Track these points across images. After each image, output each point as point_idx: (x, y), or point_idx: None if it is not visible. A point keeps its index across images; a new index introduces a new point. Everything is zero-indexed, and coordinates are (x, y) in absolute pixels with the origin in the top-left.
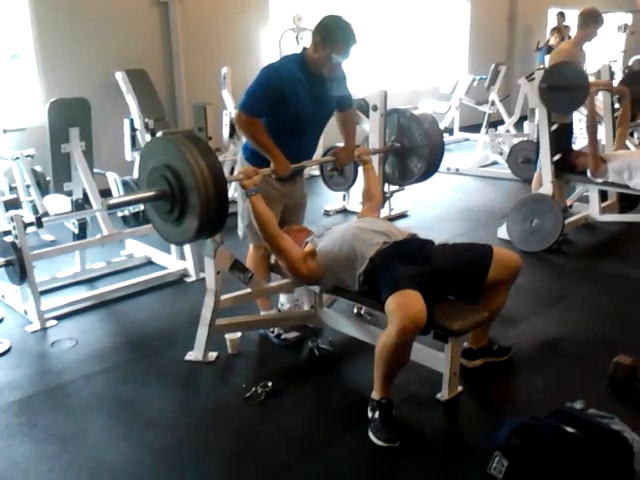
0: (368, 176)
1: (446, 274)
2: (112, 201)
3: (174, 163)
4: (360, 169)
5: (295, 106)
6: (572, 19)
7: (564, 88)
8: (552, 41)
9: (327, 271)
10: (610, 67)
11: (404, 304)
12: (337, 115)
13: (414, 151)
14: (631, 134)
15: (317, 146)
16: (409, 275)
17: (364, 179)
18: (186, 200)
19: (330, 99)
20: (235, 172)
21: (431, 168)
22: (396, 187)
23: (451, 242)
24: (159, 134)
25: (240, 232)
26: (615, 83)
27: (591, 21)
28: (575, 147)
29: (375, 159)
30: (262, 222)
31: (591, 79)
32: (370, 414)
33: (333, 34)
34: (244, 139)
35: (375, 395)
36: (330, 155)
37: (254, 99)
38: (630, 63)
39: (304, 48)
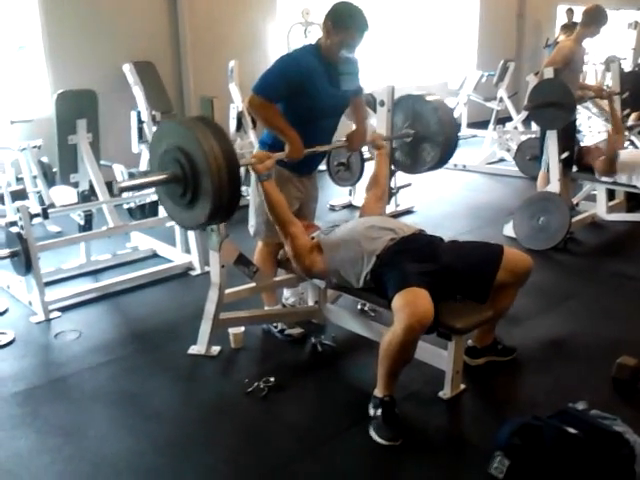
0: (380, 161)
1: (454, 273)
2: (124, 184)
3: (187, 146)
4: (367, 164)
5: (314, 97)
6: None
7: (550, 105)
8: (562, 38)
9: (332, 270)
10: (619, 62)
11: (411, 302)
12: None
13: (428, 138)
14: (639, 133)
15: (333, 137)
16: (417, 272)
17: (375, 164)
18: (199, 184)
19: (348, 77)
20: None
21: (444, 156)
22: (402, 183)
23: (460, 239)
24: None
25: (251, 229)
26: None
27: (595, 19)
28: (583, 144)
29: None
30: (275, 207)
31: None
32: (372, 411)
33: (344, 20)
34: (256, 135)
35: (378, 392)
36: (344, 140)
37: (270, 84)
38: None
39: (319, 39)
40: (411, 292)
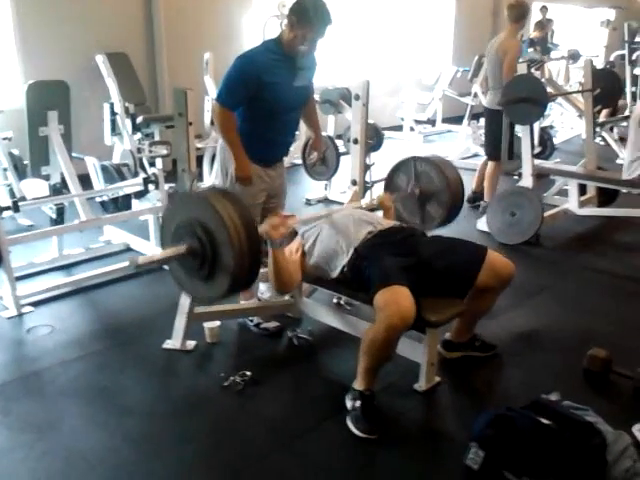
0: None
1: (434, 270)
2: (141, 262)
3: (205, 218)
4: (343, 158)
5: (275, 91)
6: (555, 13)
7: (523, 100)
8: (536, 34)
9: (311, 270)
10: (582, 56)
11: (394, 301)
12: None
13: (434, 195)
14: (611, 129)
15: (297, 128)
16: (397, 268)
17: None
18: (218, 257)
19: (304, 72)
20: (216, 160)
21: (452, 214)
22: (378, 177)
23: (439, 234)
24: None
25: None
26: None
27: (521, 13)
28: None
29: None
30: (279, 275)
31: None
32: (350, 404)
33: (308, 14)
34: None
35: (358, 386)
36: (309, 149)
37: (230, 91)
38: (612, 58)
39: (282, 32)
40: (393, 290)
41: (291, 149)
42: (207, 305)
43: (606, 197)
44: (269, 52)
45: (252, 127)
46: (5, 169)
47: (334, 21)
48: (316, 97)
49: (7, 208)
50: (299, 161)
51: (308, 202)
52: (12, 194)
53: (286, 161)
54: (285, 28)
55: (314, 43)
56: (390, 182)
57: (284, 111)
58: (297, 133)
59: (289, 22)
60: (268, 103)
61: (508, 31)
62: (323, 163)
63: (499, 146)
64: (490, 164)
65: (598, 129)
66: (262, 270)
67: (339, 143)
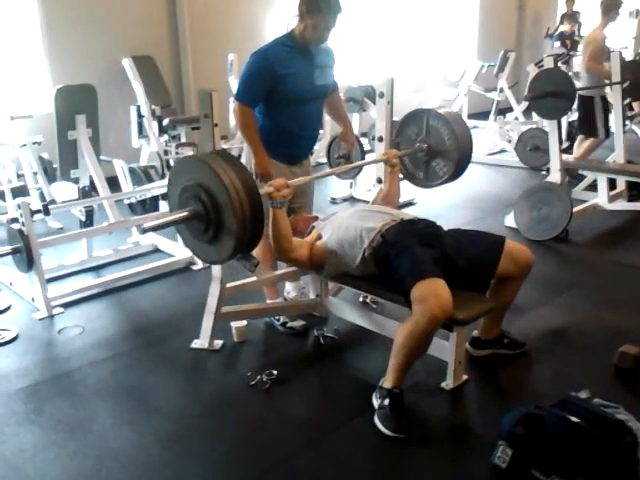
0: (392, 180)
1: (456, 265)
2: (147, 225)
3: (207, 181)
4: (368, 156)
5: (290, 82)
6: (581, 5)
7: (550, 95)
8: (566, 28)
9: (330, 256)
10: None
11: (433, 293)
12: (325, 101)
13: (441, 153)
14: None
15: (320, 124)
16: (431, 260)
17: (387, 183)
18: (221, 219)
19: (324, 70)
20: (242, 160)
21: (459, 170)
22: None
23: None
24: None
25: None
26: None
27: (612, 5)
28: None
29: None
30: (280, 236)
31: None
32: (378, 402)
33: (317, 3)
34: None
35: (387, 384)
36: (337, 143)
37: (247, 87)
38: None
39: (295, 26)
40: (431, 283)
41: (316, 148)
42: (213, 265)
43: (637, 191)
44: (281, 45)
45: (274, 122)
46: (35, 173)
47: (349, 12)
48: (341, 95)
49: (38, 211)
50: (324, 160)
51: (333, 201)
52: (42, 197)
53: (311, 160)
54: (297, 20)
55: (326, 32)
56: (400, 134)
57: (303, 102)
58: (321, 132)
59: (299, 12)
60: (286, 94)
61: (599, 23)
62: (348, 161)
63: (592, 125)
64: (581, 137)
65: (628, 122)
66: (287, 270)
67: (364, 141)
